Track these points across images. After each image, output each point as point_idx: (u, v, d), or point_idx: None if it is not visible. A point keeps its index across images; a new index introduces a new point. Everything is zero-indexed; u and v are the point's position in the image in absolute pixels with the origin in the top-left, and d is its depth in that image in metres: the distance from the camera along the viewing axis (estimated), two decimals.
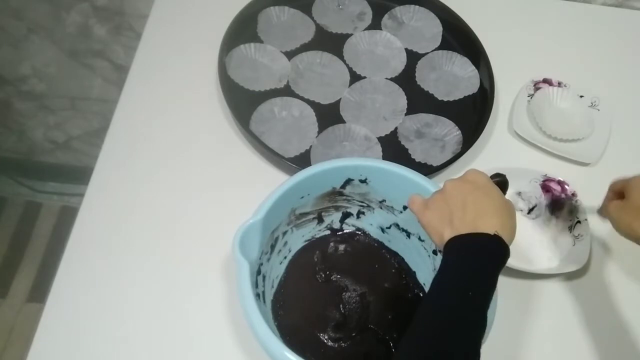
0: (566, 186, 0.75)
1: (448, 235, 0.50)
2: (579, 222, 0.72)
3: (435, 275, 0.50)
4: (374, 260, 0.68)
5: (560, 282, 0.69)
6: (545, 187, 0.75)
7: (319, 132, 0.76)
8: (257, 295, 0.55)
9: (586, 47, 0.93)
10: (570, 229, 0.72)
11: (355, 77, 0.83)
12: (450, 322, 0.45)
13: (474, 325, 0.46)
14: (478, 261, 0.49)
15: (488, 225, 0.49)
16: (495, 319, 0.52)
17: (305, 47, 0.85)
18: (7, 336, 1.37)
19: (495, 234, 0.48)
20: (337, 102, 0.80)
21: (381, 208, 0.66)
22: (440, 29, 0.89)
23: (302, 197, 0.62)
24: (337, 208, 0.67)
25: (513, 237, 0.51)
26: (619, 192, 0.62)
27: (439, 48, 0.87)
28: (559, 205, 0.74)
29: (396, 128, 0.78)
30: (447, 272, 0.49)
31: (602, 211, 0.65)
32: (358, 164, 0.62)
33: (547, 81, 0.85)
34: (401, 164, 0.62)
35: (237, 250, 0.53)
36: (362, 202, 0.66)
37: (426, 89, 0.83)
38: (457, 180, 0.54)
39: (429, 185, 0.59)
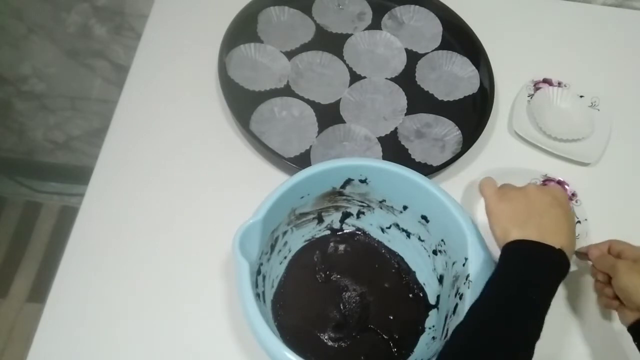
0: (566, 186, 0.75)
1: (515, 235, 0.52)
2: (578, 222, 0.72)
3: (495, 272, 0.51)
4: (374, 260, 0.68)
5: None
6: None
7: (319, 132, 0.76)
8: (257, 295, 0.55)
9: (586, 47, 0.93)
10: None
11: (355, 77, 0.83)
12: (509, 322, 0.47)
13: (530, 329, 0.47)
14: (544, 270, 0.51)
15: (557, 241, 0.52)
16: None
17: (305, 47, 0.85)
18: (7, 336, 1.37)
19: (560, 249, 0.52)
20: (337, 102, 0.80)
21: (381, 208, 0.66)
22: (440, 29, 0.89)
23: (302, 197, 0.62)
24: (337, 208, 0.67)
25: (571, 257, 0.54)
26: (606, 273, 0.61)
27: (439, 48, 0.87)
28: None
29: (396, 128, 0.78)
30: (511, 273, 0.51)
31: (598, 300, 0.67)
32: (358, 164, 0.62)
33: (547, 81, 0.85)
34: (401, 164, 0.62)
35: (237, 250, 0.53)
36: (362, 202, 0.66)
37: (426, 89, 0.83)
38: (542, 188, 0.57)
39: (428, 185, 0.59)
